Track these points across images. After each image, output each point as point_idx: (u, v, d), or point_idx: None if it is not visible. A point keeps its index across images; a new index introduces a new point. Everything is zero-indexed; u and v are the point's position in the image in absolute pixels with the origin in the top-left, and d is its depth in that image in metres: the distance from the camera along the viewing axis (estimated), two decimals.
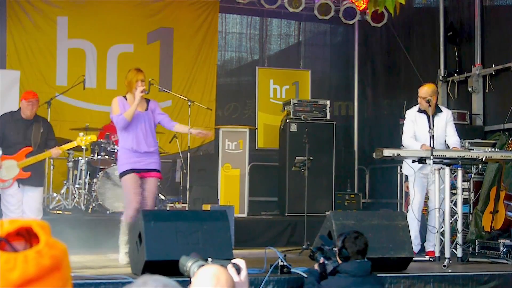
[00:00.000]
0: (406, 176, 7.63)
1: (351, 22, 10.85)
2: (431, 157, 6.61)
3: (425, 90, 7.25)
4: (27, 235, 1.54)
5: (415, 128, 7.26)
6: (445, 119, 7.33)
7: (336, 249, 4.91)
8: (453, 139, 7.26)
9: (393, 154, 6.73)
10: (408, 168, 7.10)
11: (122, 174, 6.51)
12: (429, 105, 7.09)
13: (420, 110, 7.30)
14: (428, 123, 7.04)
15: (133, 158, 6.45)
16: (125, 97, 6.61)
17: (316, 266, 5.01)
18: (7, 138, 6.83)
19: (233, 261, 2.30)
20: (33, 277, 1.44)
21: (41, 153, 6.81)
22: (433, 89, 7.32)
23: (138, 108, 6.52)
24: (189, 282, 2.11)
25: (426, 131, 7.01)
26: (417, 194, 7.15)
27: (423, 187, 7.28)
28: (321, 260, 4.94)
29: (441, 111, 7.36)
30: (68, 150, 8.23)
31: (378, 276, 5.00)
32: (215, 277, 2.06)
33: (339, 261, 4.84)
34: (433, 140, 6.73)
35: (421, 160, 6.78)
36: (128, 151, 6.47)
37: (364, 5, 10.39)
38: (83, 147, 8.09)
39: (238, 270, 2.27)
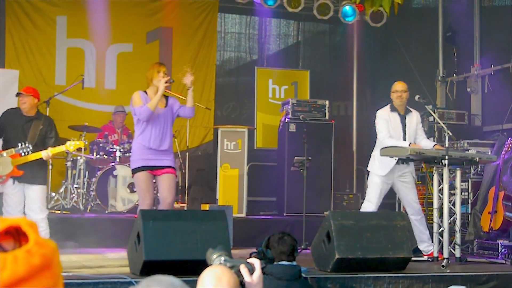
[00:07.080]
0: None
1: (350, 22, 10.84)
2: (447, 157, 6.60)
3: (401, 84, 7.27)
4: (16, 235, 1.52)
5: (389, 128, 7.19)
6: (416, 120, 7.34)
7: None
8: (427, 142, 7.25)
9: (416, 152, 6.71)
10: (380, 168, 7.13)
11: (134, 171, 6.46)
12: (402, 98, 7.14)
13: (392, 109, 7.29)
14: (402, 122, 7.12)
15: (146, 155, 6.39)
16: (145, 92, 6.56)
17: None
18: (7, 133, 6.70)
19: (248, 260, 2.26)
20: (24, 276, 1.42)
21: (35, 152, 6.63)
22: (406, 85, 7.35)
23: (158, 103, 6.44)
24: (195, 281, 2.09)
25: (400, 130, 7.10)
26: (377, 195, 7.17)
27: (383, 192, 7.29)
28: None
29: (410, 111, 7.36)
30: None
31: (308, 283, 4.80)
32: (217, 277, 2.04)
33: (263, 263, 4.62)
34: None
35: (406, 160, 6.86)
36: (143, 147, 6.40)
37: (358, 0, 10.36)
38: (70, 152, 8.06)
39: (251, 270, 2.23)
